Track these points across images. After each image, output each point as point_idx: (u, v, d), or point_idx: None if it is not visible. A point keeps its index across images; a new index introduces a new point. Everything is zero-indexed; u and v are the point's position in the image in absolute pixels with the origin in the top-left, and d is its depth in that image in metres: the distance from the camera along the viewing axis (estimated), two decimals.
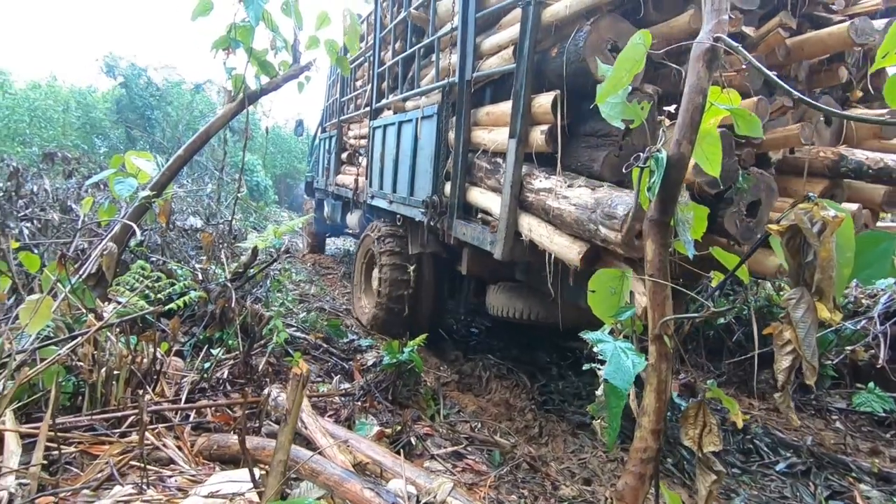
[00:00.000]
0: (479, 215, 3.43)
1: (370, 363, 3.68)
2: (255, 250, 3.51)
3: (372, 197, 5.24)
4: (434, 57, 3.99)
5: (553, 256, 2.66)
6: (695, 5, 2.40)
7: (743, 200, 2.55)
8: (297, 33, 3.57)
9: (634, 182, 1.29)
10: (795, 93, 1.09)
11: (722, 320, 4.78)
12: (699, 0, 2.55)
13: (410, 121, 4.26)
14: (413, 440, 2.57)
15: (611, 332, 1.26)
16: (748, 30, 2.66)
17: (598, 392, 1.09)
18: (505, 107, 3.06)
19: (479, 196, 3.38)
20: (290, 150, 19.72)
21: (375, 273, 4.71)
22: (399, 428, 2.60)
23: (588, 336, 1.06)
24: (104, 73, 13.95)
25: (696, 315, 1.05)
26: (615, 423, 0.96)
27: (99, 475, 1.78)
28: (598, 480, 2.68)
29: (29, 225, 3.67)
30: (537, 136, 2.79)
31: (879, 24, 2.61)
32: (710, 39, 1.08)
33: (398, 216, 4.61)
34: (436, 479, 1.92)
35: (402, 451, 2.45)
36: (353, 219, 6.82)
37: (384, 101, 5.11)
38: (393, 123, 4.68)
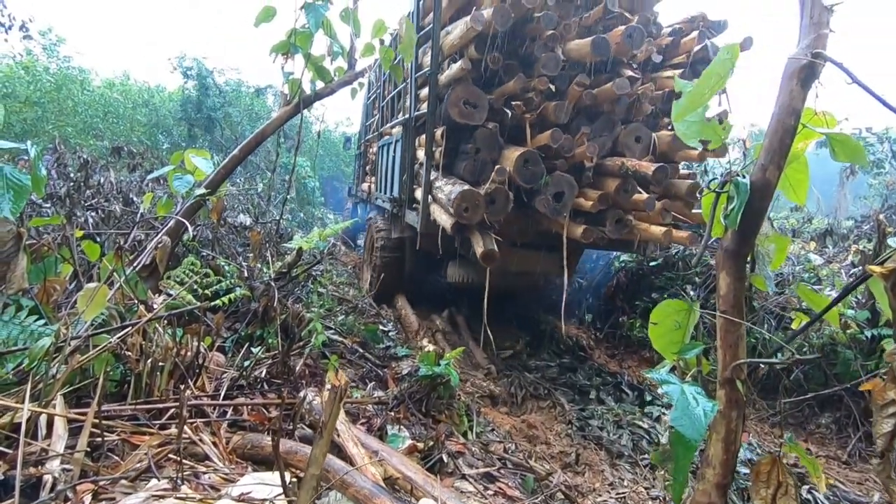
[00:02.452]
0: (414, 205, 4.89)
1: (405, 372, 3.64)
2: (299, 251, 3.56)
3: (376, 198, 7.02)
4: (401, 100, 5.81)
5: (442, 227, 4.09)
6: (521, 73, 4.08)
7: (549, 192, 3.99)
8: (353, 40, 3.61)
9: (705, 209, 1.18)
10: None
11: (779, 355, 4.46)
12: (535, 65, 4.15)
13: (391, 143, 5.83)
14: (445, 457, 2.49)
15: (672, 370, 1.15)
16: (551, 86, 4.15)
17: (664, 440, 0.99)
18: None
19: (418, 193, 4.77)
20: (338, 153, 20.20)
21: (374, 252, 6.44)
22: (431, 443, 2.54)
23: (652, 375, 0.96)
24: (176, 72, 14.72)
25: (775, 361, 0.94)
26: (682, 477, 0.86)
27: (138, 465, 1.80)
28: None
29: (94, 214, 3.87)
30: (437, 154, 4.38)
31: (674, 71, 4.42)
32: (807, 55, 0.97)
33: (386, 211, 6.31)
34: (467, 503, 1.85)
35: (433, 467, 2.39)
36: (370, 216, 8.87)
37: (383, 128, 6.83)
38: (385, 144, 6.30)
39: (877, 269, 0.88)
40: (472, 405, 3.44)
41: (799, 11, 1.04)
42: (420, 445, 2.53)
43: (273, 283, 3.26)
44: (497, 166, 3.92)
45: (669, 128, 4.48)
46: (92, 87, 15.10)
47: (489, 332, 5.66)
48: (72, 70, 14.95)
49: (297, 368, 2.92)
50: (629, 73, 4.31)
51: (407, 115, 5.08)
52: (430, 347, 4.54)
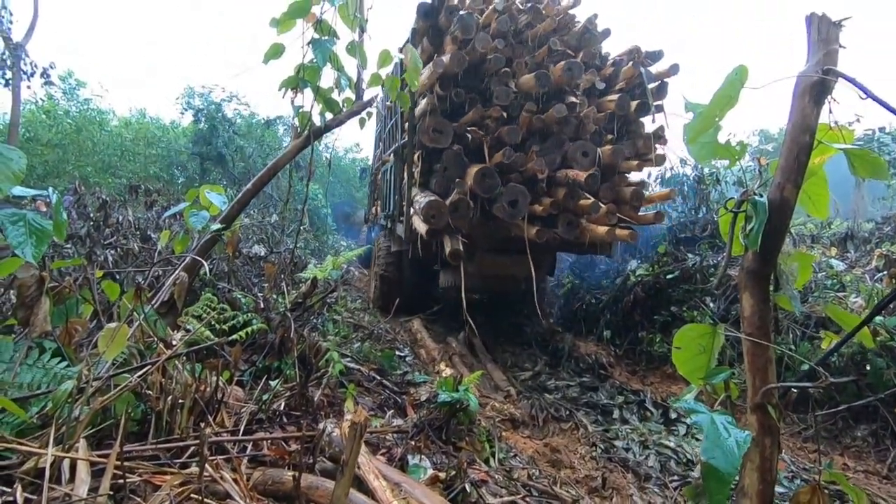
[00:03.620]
0: (401, 219, 5.58)
1: (423, 398, 3.60)
2: (314, 281, 3.58)
3: (380, 218, 7.85)
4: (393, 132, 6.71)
5: (420, 233, 4.76)
6: (479, 104, 4.98)
7: (504, 199, 4.76)
8: (360, 72, 3.68)
9: (723, 229, 1.16)
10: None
11: (805, 366, 4.32)
12: (492, 97, 5.19)
13: (388, 168, 6.79)
14: (468, 487, 2.44)
15: (699, 395, 1.12)
16: (504, 113, 4.99)
17: (695, 473, 0.95)
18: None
19: (405, 208, 5.45)
20: (348, 179, 20.49)
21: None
22: (454, 472, 2.48)
23: (679, 405, 0.93)
24: (185, 110, 15.13)
25: (808, 385, 0.91)
26: None
27: None
28: None
29: (113, 252, 3.94)
30: (416, 173, 5.23)
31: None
32: (817, 72, 0.97)
33: (387, 227, 7.04)
34: None
35: (456, 498, 2.34)
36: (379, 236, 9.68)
37: (384, 156, 7.58)
38: (385, 170, 7.19)
39: None
40: (493, 430, 3.37)
41: (806, 28, 1.04)
42: (442, 475, 2.48)
43: (289, 314, 3.27)
44: (458, 180, 4.77)
45: (620, 143, 5.39)
46: (110, 127, 15.60)
47: (507, 353, 5.61)
48: (91, 112, 15.48)
49: (316, 399, 2.91)
50: (572, 99, 5.09)
51: (397, 144, 5.95)
52: (448, 371, 4.50)
